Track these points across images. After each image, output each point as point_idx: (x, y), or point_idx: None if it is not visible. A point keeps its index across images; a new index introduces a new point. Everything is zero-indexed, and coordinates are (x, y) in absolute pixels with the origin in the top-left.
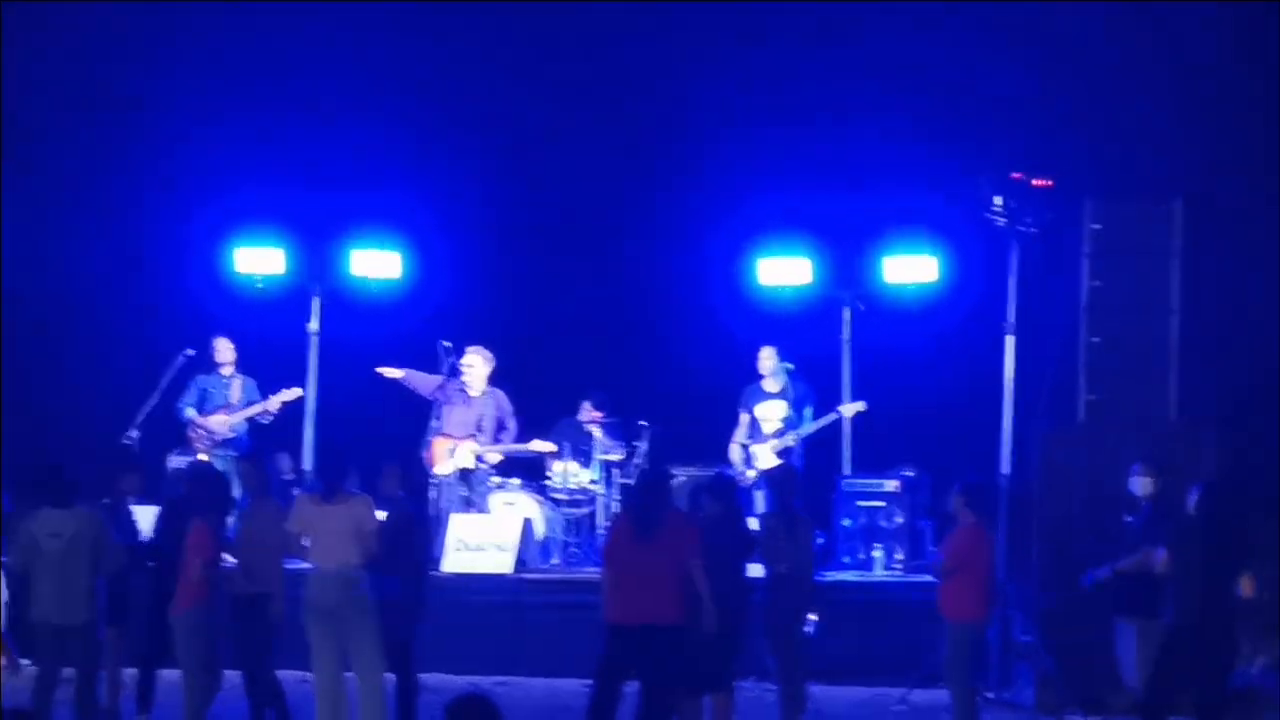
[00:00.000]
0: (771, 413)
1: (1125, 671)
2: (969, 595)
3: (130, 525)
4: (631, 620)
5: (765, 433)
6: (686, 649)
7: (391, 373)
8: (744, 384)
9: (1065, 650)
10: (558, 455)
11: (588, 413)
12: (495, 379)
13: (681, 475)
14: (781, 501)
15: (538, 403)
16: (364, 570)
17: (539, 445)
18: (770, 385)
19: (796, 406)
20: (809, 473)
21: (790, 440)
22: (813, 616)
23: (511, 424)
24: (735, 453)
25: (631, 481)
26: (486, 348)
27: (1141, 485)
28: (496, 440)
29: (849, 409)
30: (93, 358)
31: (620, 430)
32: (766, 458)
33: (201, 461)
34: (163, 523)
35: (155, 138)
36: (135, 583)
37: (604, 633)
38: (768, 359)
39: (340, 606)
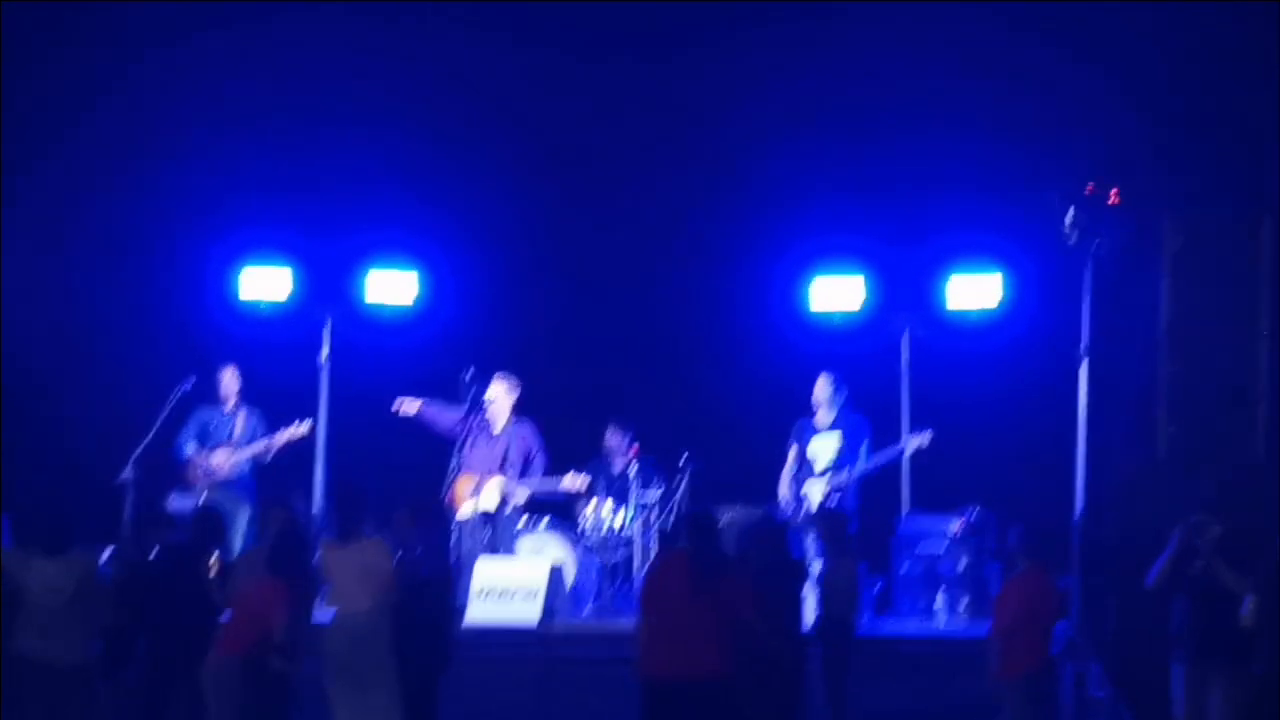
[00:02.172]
0: (824, 448)
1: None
2: (1025, 649)
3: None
4: (677, 676)
5: (817, 469)
6: (736, 710)
7: (409, 407)
8: (793, 416)
9: (1145, 706)
10: (590, 493)
11: (614, 442)
12: (521, 410)
13: (726, 515)
14: (833, 544)
15: (568, 436)
16: (382, 618)
17: (570, 481)
18: (823, 418)
19: (851, 441)
20: (864, 512)
21: (844, 478)
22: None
23: (539, 459)
24: (784, 491)
25: (669, 525)
26: (512, 376)
27: (1204, 535)
28: (523, 477)
29: (912, 442)
30: (89, 391)
31: (658, 468)
32: (818, 497)
33: (208, 506)
34: (160, 570)
35: (155, 154)
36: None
37: (642, 690)
38: (822, 389)
39: (356, 657)
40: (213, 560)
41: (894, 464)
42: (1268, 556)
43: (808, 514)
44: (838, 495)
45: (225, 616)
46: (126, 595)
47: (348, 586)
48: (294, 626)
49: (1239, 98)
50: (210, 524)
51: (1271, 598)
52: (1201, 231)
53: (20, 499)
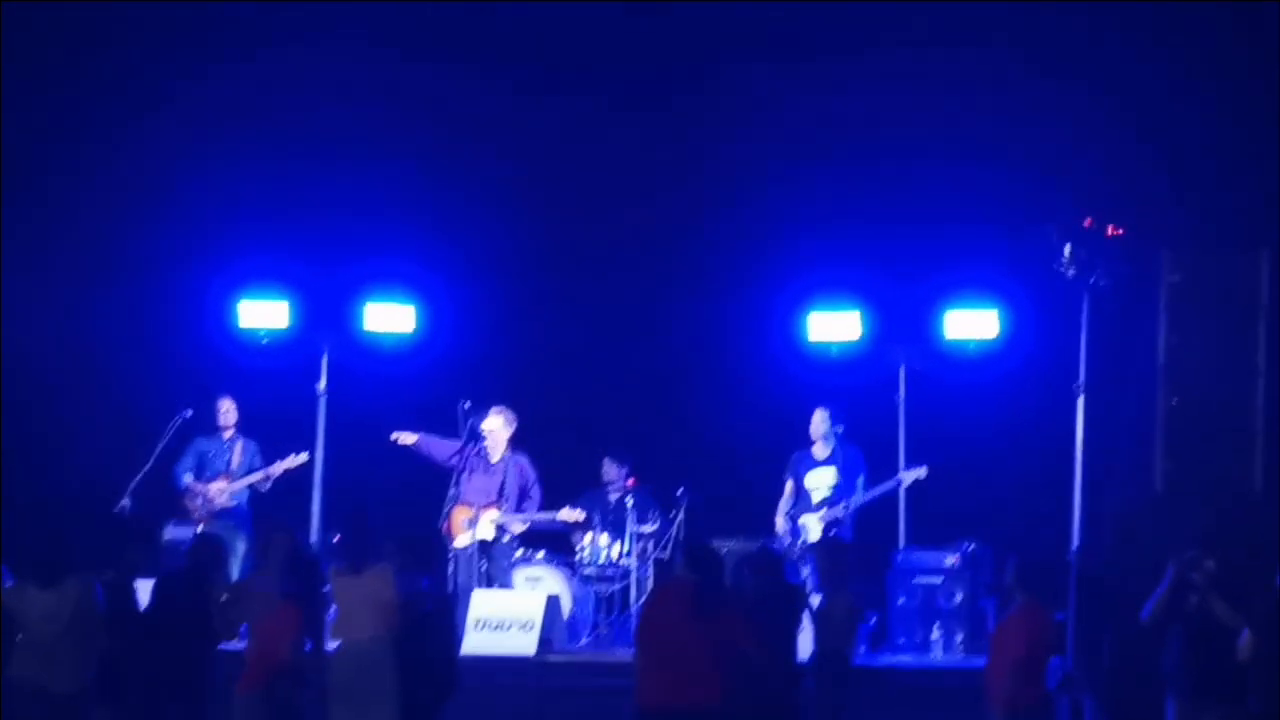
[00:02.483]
0: (821, 481)
1: None
2: (1023, 683)
3: (133, 601)
4: (673, 706)
5: (814, 502)
6: None
7: (406, 438)
8: (790, 448)
9: None
10: (587, 526)
11: (611, 473)
12: (518, 442)
13: (722, 547)
14: (830, 577)
15: (565, 468)
16: (387, 647)
17: (567, 514)
18: (820, 451)
19: (847, 473)
20: (860, 545)
21: (841, 511)
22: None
23: (535, 491)
24: (781, 524)
25: (667, 555)
26: (509, 408)
27: (1199, 570)
28: (520, 509)
29: (909, 475)
30: (86, 419)
31: (655, 499)
32: (815, 529)
33: (208, 534)
34: (158, 597)
35: (151, 183)
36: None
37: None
38: (820, 423)
39: (361, 685)
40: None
41: (890, 496)
42: (1264, 591)
43: (804, 546)
44: (834, 528)
45: (239, 645)
46: (120, 622)
47: (354, 614)
48: (311, 651)
49: (1238, 133)
50: (209, 552)
51: (1268, 633)
52: (1200, 266)
53: (15, 530)
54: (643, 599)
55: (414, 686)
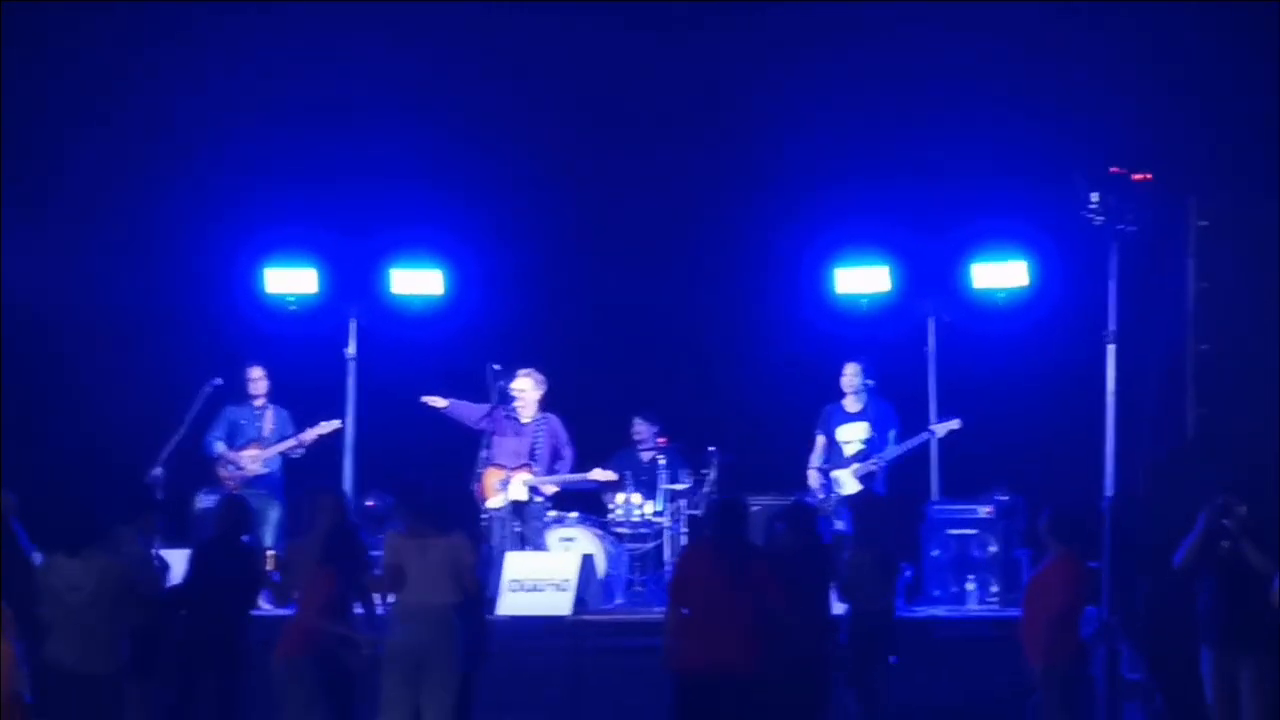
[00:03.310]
0: (853, 434)
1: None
2: (1059, 633)
3: (155, 571)
4: (710, 669)
5: (846, 455)
6: (768, 700)
7: (436, 402)
8: (819, 403)
9: (1178, 688)
10: (619, 486)
11: (642, 433)
12: (548, 403)
13: (755, 505)
14: (866, 531)
15: (596, 428)
16: (456, 613)
17: (599, 474)
18: (851, 404)
19: (879, 427)
20: (894, 499)
21: (874, 465)
22: (891, 658)
23: (567, 452)
24: (814, 478)
25: (700, 512)
26: (538, 370)
27: (1232, 514)
28: (552, 470)
29: (942, 428)
30: (113, 388)
31: (686, 458)
32: (849, 483)
33: (233, 495)
34: (194, 567)
35: (179, 150)
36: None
37: (673, 683)
38: (852, 376)
39: (430, 649)
40: (268, 554)
41: (922, 449)
42: None
43: (839, 500)
44: (869, 482)
45: (288, 610)
46: (151, 595)
47: (426, 578)
48: (364, 616)
49: (1265, 78)
50: (235, 513)
51: None
52: (1227, 212)
53: (43, 499)
54: (675, 558)
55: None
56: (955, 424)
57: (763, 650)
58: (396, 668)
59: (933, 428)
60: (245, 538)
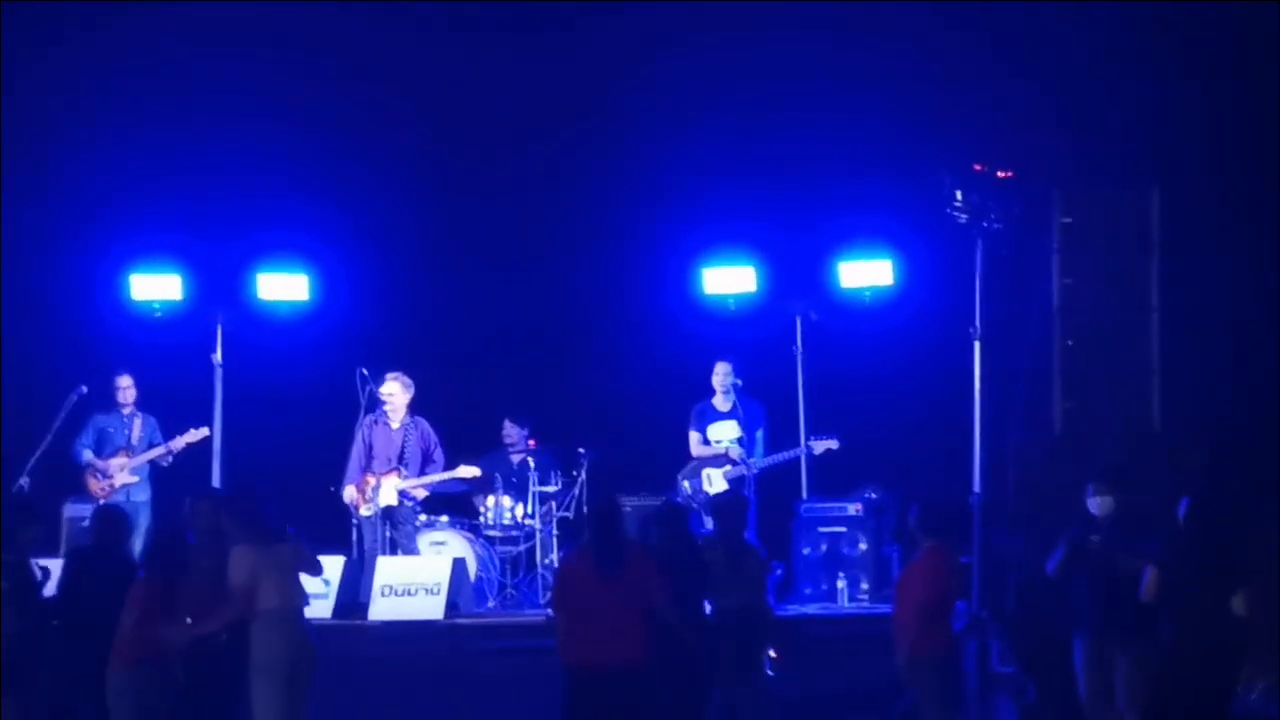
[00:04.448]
0: (723, 433)
1: (1082, 691)
2: (930, 628)
3: (34, 582)
4: (601, 665)
5: (717, 455)
6: (656, 696)
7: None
8: (689, 403)
9: (1050, 679)
10: (489, 488)
11: (512, 435)
12: (417, 407)
13: (627, 505)
14: (725, 532)
15: (466, 431)
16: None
17: (464, 471)
18: (721, 403)
19: (748, 427)
20: (764, 497)
21: (744, 471)
22: (772, 654)
23: (438, 454)
24: (686, 476)
25: (570, 515)
26: (406, 373)
27: (1100, 505)
28: (423, 473)
29: (820, 445)
30: None
31: (556, 459)
32: (719, 483)
33: (109, 505)
34: (70, 577)
35: (41, 157)
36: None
37: (566, 681)
38: (724, 374)
39: (304, 655)
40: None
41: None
42: (1167, 527)
43: (708, 499)
44: (737, 485)
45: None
46: (21, 601)
47: (287, 585)
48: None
49: (1125, 71)
50: (112, 524)
51: (1171, 568)
52: (1090, 207)
53: None
54: (552, 561)
55: None
56: (833, 444)
57: (651, 645)
58: (275, 676)
59: (811, 444)
60: (124, 548)
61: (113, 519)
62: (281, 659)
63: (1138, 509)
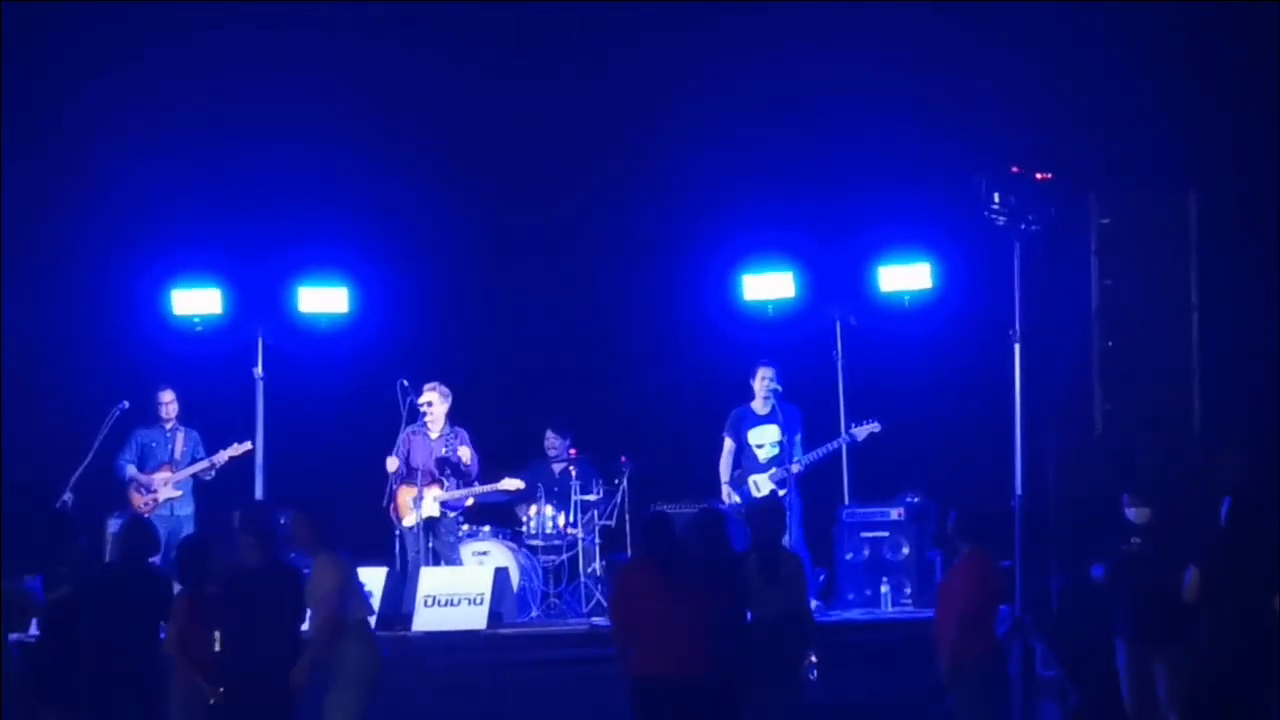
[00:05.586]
0: (764, 437)
1: (1125, 695)
2: (972, 632)
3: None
4: (668, 673)
5: (761, 460)
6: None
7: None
8: (730, 410)
9: (1093, 683)
10: (531, 497)
11: (554, 444)
12: (458, 417)
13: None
14: (761, 538)
15: (507, 441)
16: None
17: (508, 483)
18: (760, 408)
19: (787, 431)
20: (806, 503)
21: (792, 469)
22: (812, 659)
23: (476, 464)
24: (726, 483)
25: (612, 524)
26: (445, 384)
27: (1137, 515)
28: (462, 484)
29: (862, 431)
30: (21, 413)
31: (598, 468)
32: (765, 486)
33: (138, 517)
34: (100, 590)
35: (83, 174)
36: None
37: (633, 691)
38: (765, 380)
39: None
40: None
41: (839, 452)
42: (1207, 530)
43: (752, 506)
44: (784, 486)
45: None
46: (59, 616)
47: (357, 595)
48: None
49: (1162, 74)
50: (137, 535)
51: (1213, 570)
52: (1129, 209)
53: None
54: (595, 570)
55: None
56: (875, 426)
57: (710, 651)
58: (370, 686)
59: (853, 431)
60: (152, 560)
61: (140, 532)
62: (375, 668)
63: (1175, 515)
